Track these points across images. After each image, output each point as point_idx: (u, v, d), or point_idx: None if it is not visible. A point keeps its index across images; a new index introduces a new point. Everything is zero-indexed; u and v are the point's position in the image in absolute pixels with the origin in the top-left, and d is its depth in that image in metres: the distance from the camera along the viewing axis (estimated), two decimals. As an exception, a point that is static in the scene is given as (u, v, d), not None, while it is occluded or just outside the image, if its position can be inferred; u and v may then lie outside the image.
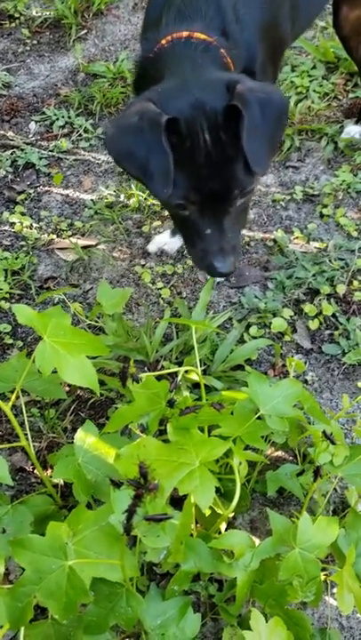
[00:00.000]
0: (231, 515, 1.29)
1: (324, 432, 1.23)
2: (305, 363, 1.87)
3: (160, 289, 2.04)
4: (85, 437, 1.30)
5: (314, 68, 2.93)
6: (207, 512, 1.30)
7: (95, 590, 1.10)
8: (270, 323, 1.93)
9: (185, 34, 1.44)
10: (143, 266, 2.12)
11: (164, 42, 1.45)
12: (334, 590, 1.39)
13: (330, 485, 1.40)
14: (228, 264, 1.36)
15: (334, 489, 1.54)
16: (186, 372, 1.45)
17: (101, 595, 1.10)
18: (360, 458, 1.29)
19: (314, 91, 2.81)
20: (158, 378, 1.29)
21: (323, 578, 1.35)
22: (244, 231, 2.19)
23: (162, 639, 1.13)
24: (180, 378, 1.26)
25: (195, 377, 1.50)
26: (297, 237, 2.19)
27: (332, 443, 1.21)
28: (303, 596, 1.10)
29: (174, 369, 1.38)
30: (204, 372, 1.76)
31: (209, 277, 1.94)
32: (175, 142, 1.22)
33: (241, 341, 1.88)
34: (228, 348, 1.80)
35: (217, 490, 1.34)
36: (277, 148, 1.41)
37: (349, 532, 1.23)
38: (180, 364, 1.77)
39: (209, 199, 1.30)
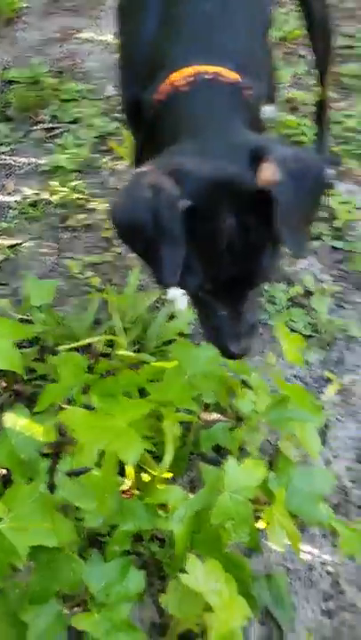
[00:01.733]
0: (170, 476, 1.33)
1: (242, 380, 1.28)
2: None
3: (88, 278, 2.08)
4: (17, 420, 1.33)
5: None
6: (131, 473, 1.33)
7: (35, 559, 1.13)
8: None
9: (211, 70, 1.21)
10: (72, 258, 2.15)
11: (181, 81, 1.21)
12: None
13: (261, 437, 1.45)
14: (241, 348, 1.20)
15: (269, 441, 1.60)
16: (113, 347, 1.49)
17: (42, 563, 1.12)
18: (282, 404, 1.34)
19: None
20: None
21: (264, 526, 1.40)
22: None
23: (107, 599, 1.15)
24: (99, 346, 1.29)
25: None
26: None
27: (250, 388, 1.27)
28: (237, 537, 1.15)
29: (93, 339, 1.41)
30: (139, 351, 1.79)
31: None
32: (193, 227, 1.03)
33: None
34: (159, 324, 1.84)
35: (154, 454, 1.39)
36: (313, 219, 1.25)
37: (279, 475, 1.28)
38: (111, 347, 1.80)
39: (227, 286, 1.13)
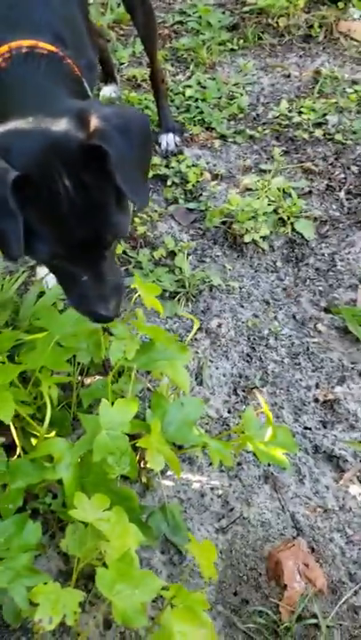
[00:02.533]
0: (53, 435, 1.39)
1: (103, 328, 1.37)
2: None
3: None
4: None
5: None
6: (16, 436, 1.39)
7: None
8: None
9: (25, 44, 1.25)
10: None
11: None
12: (169, 473, 1.57)
13: (138, 385, 1.55)
14: (110, 309, 1.23)
15: (149, 389, 1.70)
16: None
17: None
18: (149, 348, 1.44)
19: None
20: None
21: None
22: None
23: (8, 553, 1.21)
24: None
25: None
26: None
27: (110, 334, 1.36)
28: (120, 470, 1.24)
29: None
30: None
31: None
32: (31, 195, 1.05)
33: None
34: (30, 303, 1.89)
35: (38, 419, 1.45)
36: (148, 168, 1.23)
37: (154, 410, 1.39)
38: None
39: (80, 248, 1.14)
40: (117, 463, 1.25)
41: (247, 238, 2.09)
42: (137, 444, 1.32)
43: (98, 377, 1.75)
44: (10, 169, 1.02)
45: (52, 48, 1.29)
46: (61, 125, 1.09)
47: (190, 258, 2.10)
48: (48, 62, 1.27)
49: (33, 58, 1.26)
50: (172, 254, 2.12)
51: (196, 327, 1.58)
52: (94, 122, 1.07)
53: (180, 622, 1.08)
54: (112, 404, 1.28)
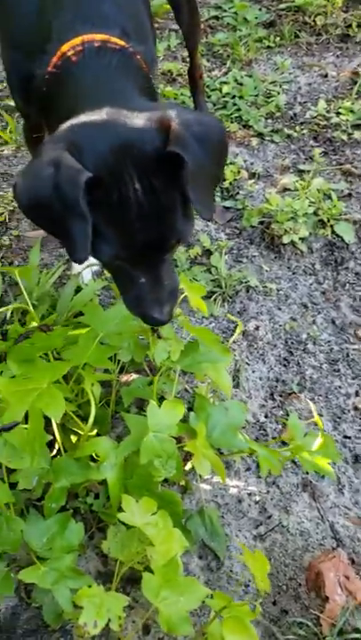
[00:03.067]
0: (95, 433, 1.37)
1: (152, 329, 1.35)
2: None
3: (-11, 262, 2.06)
4: None
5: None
6: (58, 434, 1.37)
7: (-26, 526, 1.15)
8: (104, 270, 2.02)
9: (98, 38, 1.21)
10: (-31, 245, 2.12)
11: (70, 52, 1.20)
12: (207, 477, 1.54)
13: (176, 384, 1.52)
14: (165, 313, 1.19)
15: (186, 390, 1.68)
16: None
17: (-19, 529, 1.15)
18: (193, 349, 1.42)
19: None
20: None
21: (191, 465, 1.49)
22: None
23: (50, 553, 1.19)
24: (10, 312, 1.31)
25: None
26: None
27: (159, 337, 1.33)
28: (166, 473, 1.22)
29: (3, 309, 1.42)
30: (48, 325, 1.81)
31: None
32: (100, 196, 1.03)
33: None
34: (68, 298, 1.87)
35: (78, 415, 1.43)
36: (220, 182, 1.24)
37: (198, 413, 1.36)
38: (23, 325, 1.81)
39: (143, 252, 1.12)
40: (164, 466, 1.23)
41: (286, 239, 2.05)
42: (181, 448, 1.30)
43: (134, 375, 1.72)
44: (82, 170, 0.99)
45: (123, 43, 1.25)
46: (138, 127, 1.06)
47: (226, 257, 2.07)
48: (120, 58, 1.23)
49: (105, 52, 1.22)
50: (207, 253, 2.09)
51: (239, 330, 1.55)
52: (174, 127, 1.03)
53: (229, 633, 1.06)
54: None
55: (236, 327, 1.88)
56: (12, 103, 2.72)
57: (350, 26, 3.10)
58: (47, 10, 1.27)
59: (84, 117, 1.08)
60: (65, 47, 1.21)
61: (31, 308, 1.37)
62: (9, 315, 1.72)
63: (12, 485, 1.25)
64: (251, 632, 1.08)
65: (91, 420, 1.34)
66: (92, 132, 1.05)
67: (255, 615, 1.12)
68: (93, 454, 1.28)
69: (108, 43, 1.21)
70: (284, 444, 1.54)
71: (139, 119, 1.06)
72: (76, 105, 1.13)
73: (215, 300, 1.95)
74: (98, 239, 1.05)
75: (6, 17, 1.40)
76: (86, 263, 1.95)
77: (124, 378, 1.70)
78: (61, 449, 1.38)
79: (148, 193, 1.04)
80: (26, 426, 1.11)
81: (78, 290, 1.91)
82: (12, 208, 2.25)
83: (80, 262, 1.04)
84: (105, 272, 2.02)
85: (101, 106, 1.09)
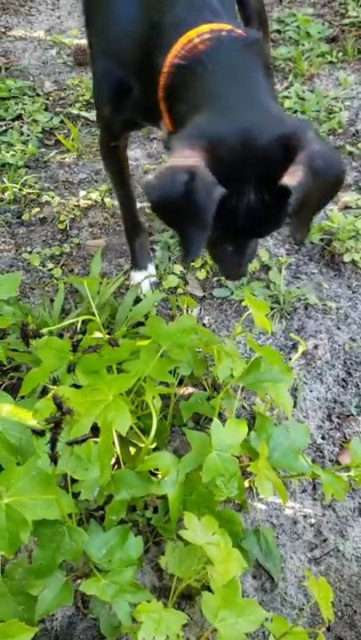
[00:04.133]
0: (153, 446, 1.38)
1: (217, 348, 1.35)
2: (200, 310, 2.00)
3: (51, 270, 2.10)
4: (1, 407, 1.35)
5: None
6: (132, 448, 1.38)
7: (38, 534, 1.16)
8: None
9: (226, 27, 1.18)
10: (30, 252, 2.16)
11: (196, 39, 1.16)
12: (262, 496, 1.53)
13: (236, 402, 1.52)
14: (241, 275, 1.47)
15: (243, 407, 1.67)
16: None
17: (45, 537, 1.16)
18: (256, 367, 1.41)
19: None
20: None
21: (247, 484, 1.48)
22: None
23: (110, 565, 1.20)
24: (79, 325, 1.33)
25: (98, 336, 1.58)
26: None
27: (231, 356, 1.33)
28: (228, 493, 1.21)
29: (72, 320, 1.44)
30: (109, 334, 1.83)
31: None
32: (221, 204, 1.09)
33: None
34: (127, 308, 1.89)
35: (138, 427, 1.44)
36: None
37: (259, 433, 1.36)
38: (83, 333, 1.83)
39: (239, 238, 1.28)
40: (226, 486, 1.22)
41: (347, 258, 2.03)
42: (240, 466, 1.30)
43: (190, 389, 1.73)
44: (217, 186, 1.04)
45: (242, 32, 1.21)
46: (268, 143, 1.08)
47: (285, 273, 2.06)
48: (247, 45, 1.18)
49: (235, 40, 1.18)
50: (265, 268, 2.08)
51: (301, 349, 1.54)
52: (299, 159, 1.05)
53: (290, 660, 1.05)
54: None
55: (294, 345, 1.87)
56: (74, 111, 2.77)
57: None
58: (152, 10, 1.25)
59: (217, 121, 1.11)
60: (192, 33, 1.17)
61: (98, 319, 1.38)
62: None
63: (73, 495, 1.26)
64: (310, 660, 1.06)
65: (152, 433, 1.34)
66: (225, 143, 1.07)
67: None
68: (152, 468, 1.29)
69: (233, 32, 1.18)
70: (344, 468, 1.52)
71: (269, 133, 1.07)
72: (207, 97, 1.14)
73: (273, 316, 1.94)
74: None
75: (98, 25, 1.44)
76: (140, 276, 2.00)
77: (181, 391, 1.71)
78: (121, 461, 1.39)
79: (258, 203, 1.11)
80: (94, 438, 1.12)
81: (137, 300, 1.93)
82: (73, 216, 2.29)
83: (191, 262, 1.23)
84: (163, 284, 2.03)
85: (234, 105, 1.12)
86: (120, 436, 1.45)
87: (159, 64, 1.22)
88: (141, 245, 2.04)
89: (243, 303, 1.48)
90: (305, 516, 1.53)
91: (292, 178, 1.04)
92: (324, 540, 1.49)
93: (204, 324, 1.95)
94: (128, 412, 1.19)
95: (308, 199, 1.07)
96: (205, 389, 1.68)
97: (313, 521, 1.52)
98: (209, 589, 1.14)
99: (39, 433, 1.15)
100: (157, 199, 1.10)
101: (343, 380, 1.80)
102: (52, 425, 1.01)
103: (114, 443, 1.35)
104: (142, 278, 2.01)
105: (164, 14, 1.23)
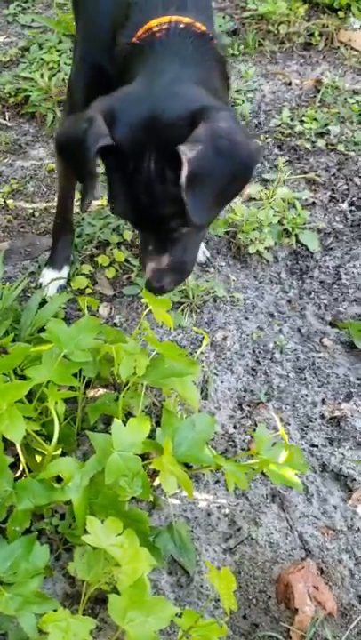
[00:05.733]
0: (59, 452, 1.35)
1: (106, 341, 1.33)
2: (110, 309, 1.98)
3: None
4: None
5: (60, 42, 3.01)
6: (22, 455, 1.35)
7: None
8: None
9: (185, 20, 1.27)
10: None
11: (155, 27, 1.27)
12: (176, 491, 1.53)
13: (142, 399, 1.50)
14: (161, 284, 1.35)
15: (154, 404, 1.67)
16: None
17: None
18: (159, 364, 1.41)
19: (65, 63, 2.89)
20: None
21: (158, 482, 1.47)
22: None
23: (15, 578, 1.17)
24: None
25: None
26: (77, 199, 2.27)
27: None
28: (132, 492, 1.21)
29: None
30: (14, 341, 1.78)
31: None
32: (119, 162, 1.16)
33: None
34: (32, 312, 1.84)
35: (42, 434, 1.41)
36: (230, 201, 1.30)
37: (165, 429, 1.36)
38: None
39: (149, 223, 1.26)
40: (130, 485, 1.21)
41: (252, 249, 2.06)
42: (146, 464, 1.29)
43: (101, 390, 1.71)
44: (104, 136, 1.12)
45: (205, 29, 1.29)
46: (174, 114, 1.12)
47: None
48: (200, 42, 1.28)
49: (188, 34, 1.27)
50: (174, 263, 2.08)
51: (206, 342, 1.55)
52: (198, 130, 1.07)
53: (199, 653, 1.05)
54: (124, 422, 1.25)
55: (203, 338, 1.88)
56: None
57: (313, 34, 3.14)
58: (125, 1, 1.35)
59: (135, 88, 1.21)
60: (153, 23, 1.28)
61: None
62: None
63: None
64: (219, 651, 1.07)
65: (55, 439, 1.32)
66: (132, 105, 1.16)
67: (224, 633, 1.11)
68: (55, 475, 1.26)
69: (193, 26, 1.27)
70: (252, 455, 1.54)
71: (179, 107, 1.13)
72: (139, 73, 1.23)
73: (183, 310, 1.95)
74: (112, 197, 1.22)
75: (82, 13, 1.60)
76: (52, 276, 1.95)
77: (91, 393, 1.69)
78: (25, 469, 1.36)
79: (158, 176, 1.14)
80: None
81: (43, 304, 1.89)
82: (-26, 220, 2.22)
83: (82, 209, 1.22)
84: (72, 285, 2.00)
85: (159, 81, 1.19)
86: (26, 445, 1.42)
87: (121, 45, 1.34)
88: (64, 245, 2.01)
89: (142, 300, 1.46)
90: (219, 507, 1.54)
91: (188, 146, 1.05)
92: (238, 530, 1.51)
93: (115, 324, 1.93)
94: (22, 420, 1.16)
95: (205, 176, 1.07)
96: (115, 389, 1.66)
97: (227, 511, 1.54)
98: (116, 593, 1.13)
99: None
100: (61, 140, 1.24)
101: (253, 368, 1.83)
102: None
103: (17, 452, 1.32)
104: (51, 279, 1.97)
105: (134, 5, 1.33)
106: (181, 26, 1.27)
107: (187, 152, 1.05)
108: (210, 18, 1.42)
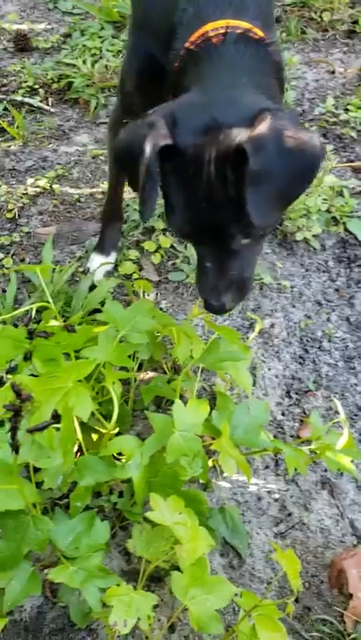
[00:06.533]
0: (116, 432, 1.36)
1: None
2: (156, 294, 1.99)
3: (1, 260, 2.05)
4: None
5: (102, 29, 3.02)
6: (95, 434, 1.37)
7: (1, 526, 1.14)
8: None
9: (243, 25, 1.24)
10: (-21, 243, 2.11)
11: (211, 33, 1.23)
12: (226, 474, 1.55)
13: (196, 383, 1.51)
14: (221, 302, 1.24)
15: (203, 388, 1.68)
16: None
17: (9, 528, 1.14)
18: (215, 347, 1.42)
19: (107, 50, 2.90)
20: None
21: (211, 463, 1.48)
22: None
23: (77, 552, 1.19)
24: (33, 313, 1.30)
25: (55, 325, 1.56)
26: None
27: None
28: (193, 472, 1.22)
29: (25, 308, 1.41)
30: (64, 322, 1.80)
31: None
32: (178, 168, 1.11)
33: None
34: (82, 295, 1.86)
35: (100, 413, 1.42)
36: (292, 202, 1.18)
37: (221, 412, 1.36)
38: (38, 322, 1.80)
39: (206, 233, 1.17)
40: (190, 465, 1.22)
41: (299, 236, 2.05)
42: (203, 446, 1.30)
43: (150, 373, 1.72)
44: (166, 137, 1.08)
45: (262, 35, 1.26)
46: (233, 118, 1.09)
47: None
48: (257, 49, 1.25)
49: (245, 41, 1.24)
50: (219, 250, 2.08)
51: (258, 328, 1.55)
52: (261, 127, 1.03)
53: (262, 631, 1.06)
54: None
55: (250, 325, 1.88)
56: (18, 98, 2.70)
57: (356, 22, 3.10)
58: None
59: (193, 96, 1.18)
60: (208, 27, 1.24)
61: (53, 306, 1.36)
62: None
63: (36, 484, 1.24)
64: (282, 630, 1.08)
65: (114, 418, 1.33)
66: (192, 111, 1.13)
67: (289, 612, 1.12)
68: (116, 453, 1.28)
69: (250, 32, 1.23)
70: (300, 440, 1.54)
71: (239, 110, 1.09)
72: (198, 81, 1.20)
73: (229, 297, 1.94)
74: (169, 208, 1.16)
75: (141, 3, 1.55)
76: (100, 261, 1.97)
77: (142, 376, 1.70)
78: (83, 448, 1.37)
79: (219, 180, 1.08)
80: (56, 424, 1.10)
81: (92, 287, 1.91)
82: (21, 205, 2.24)
83: (143, 218, 1.13)
84: (119, 270, 2.01)
85: (218, 88, 1.17)
86: (81, 423, 1.43)
87: (176, 50, 1.29)
88: (113, 232, 2.02)
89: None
90: (269, 492, 1.55)
91: (252, 142, 1.02)
92: (289, 515, 1.51)
93: (160, 309, 1.94)
94: (89, 397, 1.17)
95: (268, 174, 1.03)
96: (165, 372, 1.68)
97: (277, 496, 1.55)
98: (177, 570, 1.15)
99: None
100: (120, 146, 1.20)
101: (300, 356, 1.83)
102: (12, 413, 0.99)
103: (75, 429, 1.34)
104: (100, 264, 1.98)
105: (192, 4, 1.29)
106: (238, 31, 1.24)
107: (251, 148, 1.02)
108: (269, 22, 1.37)
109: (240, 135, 1.05)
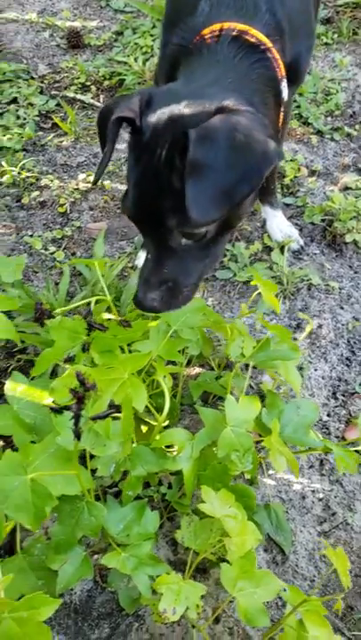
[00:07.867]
0: (165, 424, 1.39)
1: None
2: (203, 292, 2.01)
3: (53, 253, 2.09)
4: (15, 386, 1.35)
5: (154, 27, 3.05)
6: (144, 426, 1.40)
7: (57, 510, 1.17)
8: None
9: (238, 27, 1.28)
10: (31, 235, 2.16)
11: (208, 34, 1.30)
12: (271, 472, 1.56)
13: (245, 382, 1.53)
14: (147, 298, 1.22)
15: (250, 386, 1.69)
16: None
17: (64, 513, 1.18)
18: (266, 345, 1.43)
19: (158, 48, 2.93)
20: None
21: (258, 460, 1.50)
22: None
23: (127, 540, 1.22)
24: (92, 306, 1.34)
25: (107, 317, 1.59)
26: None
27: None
28: (243, 467, 1.24)
29: (83, 301, 1.45)
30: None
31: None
32: (136, 143, 1.17)
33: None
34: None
35: (151, 405, 1.45)
36: (236, 204, 1.10)
37: (270, 410, 1.38)
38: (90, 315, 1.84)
39: (148, 222, 1.19)
40: (240, 460, 1.24)
41: (348, 238, 2.05)
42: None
43: (198, 369, 1.74)
44: (129, 111, 1.15)
45: (263, 38, 1.28)
46: (197, 109, 1.13)
47: (287, 254, 2.07)
48: (249, 52, 1.27)
49: (237, 43, 1.28)
50: (268, 249, 2.10)
51: (309, 328, 1.56)
52: (214, 119, 1.06)
53: (312, 626, 1.07)
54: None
55: (298, 325, 1.89)
56: (70, 94, 2.75)
57: None
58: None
59: (175, 85, 1.25)
60: (205, 31, 1.30)
61: (109, 299, 1.40)
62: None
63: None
64: (328, 627, 1.09)
65: (165, 410, 1.35)
66: (166, 97, 1.18)
67: (337, 608, 1.13)
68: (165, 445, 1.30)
69: (246, 34, 1.27)
70: (346, 441, 1.54)
71: (206, 104, 1.13)
72: (185, 76, 1.27)
73: (277, 297, 1.95)
74: (126, 190, 1.21)
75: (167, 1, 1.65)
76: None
77: (189, 371, 1.72)
78: (133, 439, 1.40)
79: (167, 166, 1.11)
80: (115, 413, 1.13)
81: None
82: (72, 200, 2.29)
83: (93, 182, 1.29)
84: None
85: (196, 83, 1.21)
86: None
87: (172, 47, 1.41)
88: None
89: (252, 282, 1.48)
90: (313, 491, 1.56)
91: (198, 131, 1.03)
92: (333, 514, 1.52)
93: (208, 306, 1.96)
94: (144, 389, 1.20)
95: (211, 166, 1.01)
96: (212, 369, 1.70)
97: (321, 496, 1.55)
98: (223, 562, 1.17)
99: (58, 411, 1.16)
100: (100, 111, 1.23)
101: (347, 358, 1.82)
102: (75, 400, 1.02)
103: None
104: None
105: (208, 5, 1.35)
106: (233, 33, 1.27)
107: (195, 136, 1.01)
108: (296, 27, 1.37)
109: (195, 125, 1.06)
